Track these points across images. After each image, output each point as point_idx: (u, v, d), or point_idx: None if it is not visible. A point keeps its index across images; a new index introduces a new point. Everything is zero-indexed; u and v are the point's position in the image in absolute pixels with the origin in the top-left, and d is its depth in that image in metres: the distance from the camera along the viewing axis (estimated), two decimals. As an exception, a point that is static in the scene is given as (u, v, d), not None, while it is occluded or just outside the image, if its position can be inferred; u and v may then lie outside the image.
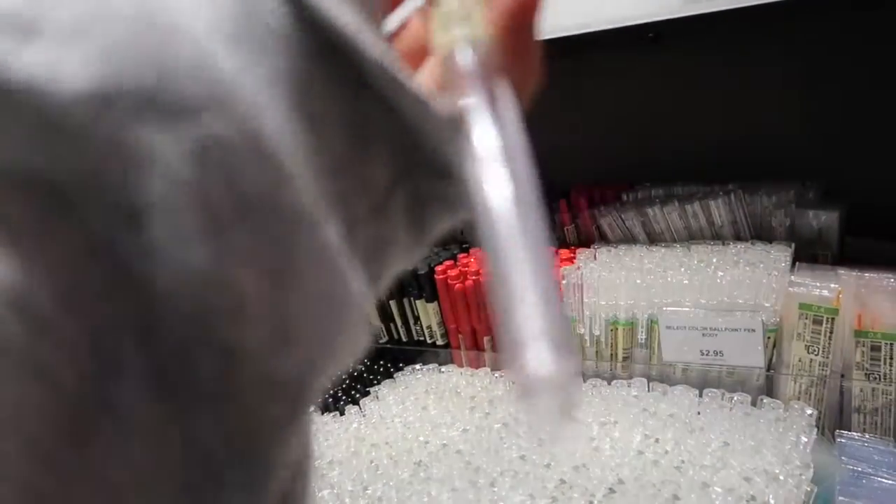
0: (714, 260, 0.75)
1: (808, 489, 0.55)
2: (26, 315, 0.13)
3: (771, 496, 0.54)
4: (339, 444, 0.72)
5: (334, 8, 0.17)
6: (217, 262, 0.15)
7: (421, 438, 0.70)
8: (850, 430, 0.67)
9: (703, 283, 0.72)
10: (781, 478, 0.56)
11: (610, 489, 0.57)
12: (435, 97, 0.18)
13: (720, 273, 0.72)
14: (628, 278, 0.75)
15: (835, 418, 0.69)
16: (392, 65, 0.17)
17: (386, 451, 0.69)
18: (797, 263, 0.73)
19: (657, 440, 0.63)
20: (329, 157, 0.18)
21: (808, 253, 0.80)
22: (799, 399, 0.69)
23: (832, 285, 0.67)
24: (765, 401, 0.69)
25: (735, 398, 0.70)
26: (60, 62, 0.14)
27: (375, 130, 0.19)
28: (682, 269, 0.74)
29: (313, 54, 0.17)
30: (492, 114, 0.17)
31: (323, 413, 0.82)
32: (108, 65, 0.14)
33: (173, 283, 0.15)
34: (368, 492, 0.62)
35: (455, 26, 0.18)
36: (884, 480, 0.57)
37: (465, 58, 0.18)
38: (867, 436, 0.65)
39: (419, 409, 0.77)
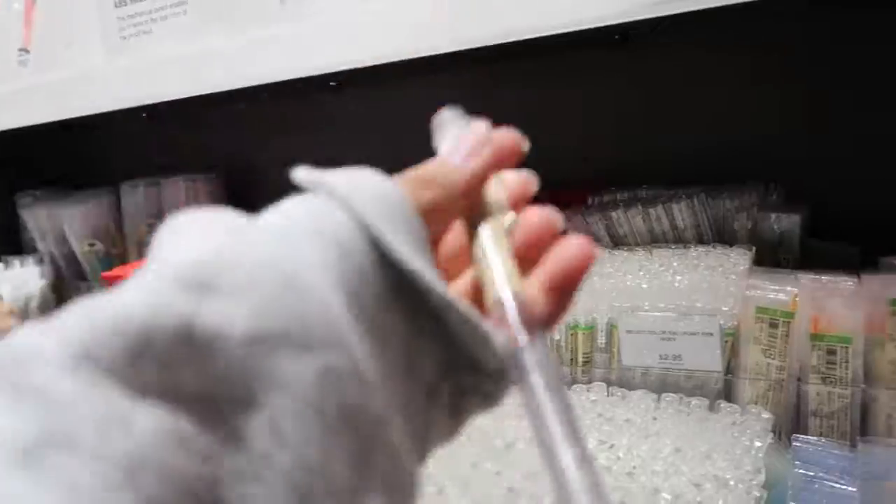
0: (674, 264, 0.74)
1: (758, 495, 0.55)
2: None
3: (720, 502, 0.54)
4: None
5: (407, 253, 0.23)
6: (325, 456, 0.20)
7: (376, 445, 0.69)
8: (807, 434, 0.67)
9: (663, 287, 0.72)
10: (731, 483, 0.55)
11: (558, 496, 0.56)
12: (477, 317, 0.24)
13: (678, 277, 0.71)
14: (588, 283, 0.74)
15: (792, 422, 0.68)
16: (447, 294, 0.23)
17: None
18: (756, 267, 0.73)
19: (611, 446, 0.63)
20: (395, 363, 0.24)
21: (771, 256, 0.79)
22: (756, 403, 0.69)
23: (788, 289, 0.66)
24: (722, 405, 0.68)
25: (693, 403, 0.69)
26: (231, 314, 0.20)
27: (429, 338, 0.25)
28: (642, 273, 0.73)
29: (390, 288, 0.24)
30: (529, 365, 0.23)
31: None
32: (263, 316, 0.20)
33: (293, 469, 0.20)
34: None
35: (501, 282, 0.25)
36: (835, 485, 0.57)
37: (511, 312, 0.24)
38: (823, 440, 0.65)
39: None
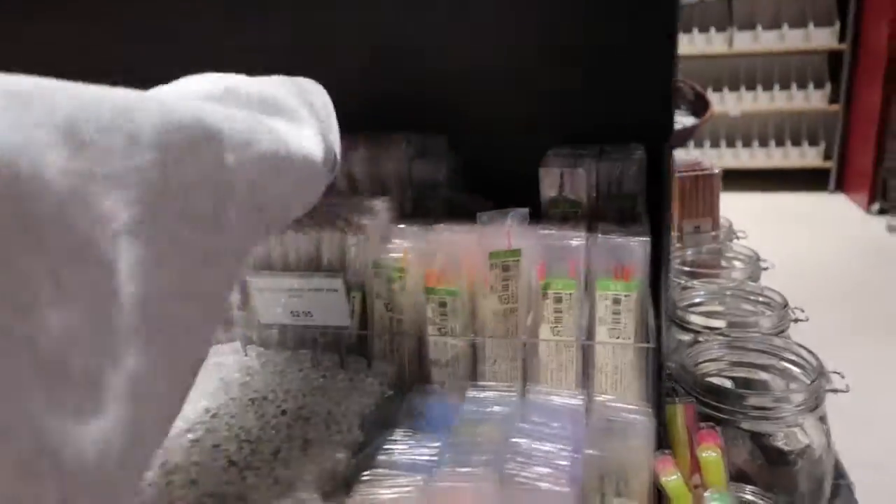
0: (307, 217, 0.72)
1: (340, 456, 0.55)
2: None
3: (300, 468, 0.53)
4: None
5: None
6: None
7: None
8: (431, 383, 0.69)
9: (290, 241, 0.69)
10: (317, 445, 0.55)
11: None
12: None
13: (305, 231, 0.69)
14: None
15: (418, 373, 0.70)
16: None
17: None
18: (387, 222, 0.73)
19: (215, 415, 0.60)
20: None
21: (421, 206, 0.80)
22: (386, 357, 0.70)
23: (402, 244, 0.67)
24: (350, 361, 0.68)
25: (325, 359, 0.69)
26: None
27: None
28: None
29: None
30: None
31: None
32: None
33: None
34: None
35: None
36: (420, 438, 0.58)
37: None
38: (438, 388, 0.67)
39: None
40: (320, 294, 0.69)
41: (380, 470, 0.54)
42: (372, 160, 0.80)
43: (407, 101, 0.88)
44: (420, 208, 0.81)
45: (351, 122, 0.85)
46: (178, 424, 0.58)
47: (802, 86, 3.77)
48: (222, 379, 0.65)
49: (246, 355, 0.71)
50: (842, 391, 0.68)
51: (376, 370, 0.67)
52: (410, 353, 0.69)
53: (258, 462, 0.53)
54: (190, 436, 0.57)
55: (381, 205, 0.74)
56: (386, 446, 0.57)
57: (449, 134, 0.87)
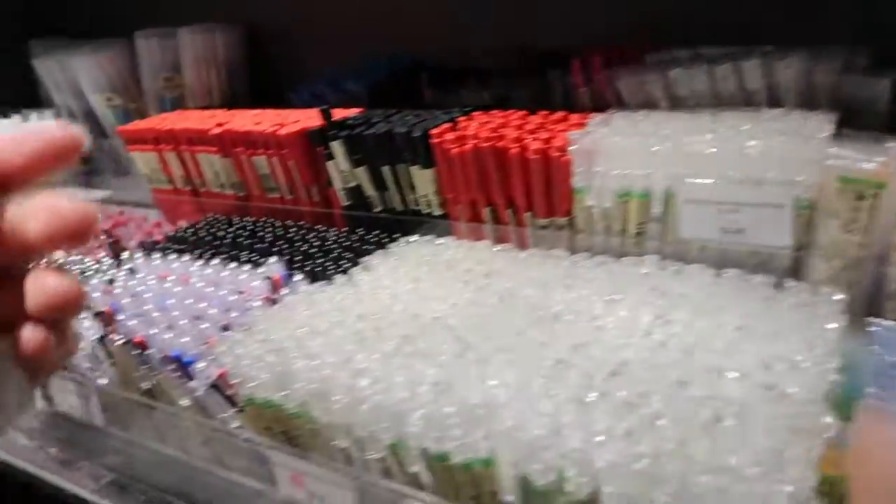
0: (744, 128, 0.66)
1: (834, 378, 0.49)
2: None
3: (792, 384, 0.49)
4: (323, 314, 0.67)
5: None
6: None
7: (410, 311, 0.65)
8: (882, 318, 0.61)
9: (730, 152, 0.64)
10: (804, 365, 0.50)
11: (612, 372, 0.51)
12: None
13: (750, 142, 0.63)
14: (644, 145, 0.67)
15: (867, 305, 0.62)
16: None
17: (372, 322, 0.64)
18: (839, 134, 0.65)
19: (667, 321, 0.57)
20: None
21: (855, 123, 0.71)
22: (829, 283, 0.63)
23: (878, 157, 0.59)
24: (789, 284, 0.62)
25: (756, 280, 0.63)
26: None
27: None
28: (708, 137, 0.66)
29: None
30: None
31: (311, 282, 0.76)
32: None
33: None
34: (350, 364, 0.57)
35: None
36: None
37: None
38: (898, 325, 0.59)
39: (410, 281, 0.71)
40: (761, 210, 0.63)
41: (873, 408, 0.48)
42: (801, 74, 0.72)
43: (828, 9, 0.79)
44: (849, 125, 0.71)
45: (778, 37, 0.78)
46: (635, 328, 0.57)
47: None
48: (655, 289, 0.63)
49: (662, 269, 0.67)
50: None
51: (823, 297, 0.60)
52: (863, 281, 0.61)
53: (744, 372, 0.50)
54: (652, 339, 0.55)
55: (824, 118, 0.66)
56: (863, 380, 0.51)
57: (884, 44, 0.76)
